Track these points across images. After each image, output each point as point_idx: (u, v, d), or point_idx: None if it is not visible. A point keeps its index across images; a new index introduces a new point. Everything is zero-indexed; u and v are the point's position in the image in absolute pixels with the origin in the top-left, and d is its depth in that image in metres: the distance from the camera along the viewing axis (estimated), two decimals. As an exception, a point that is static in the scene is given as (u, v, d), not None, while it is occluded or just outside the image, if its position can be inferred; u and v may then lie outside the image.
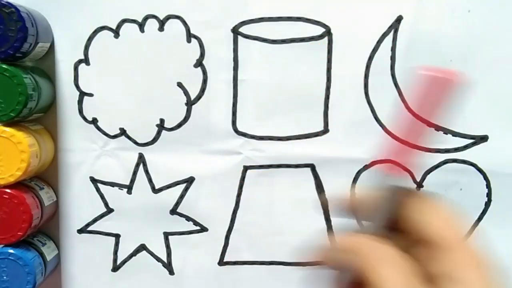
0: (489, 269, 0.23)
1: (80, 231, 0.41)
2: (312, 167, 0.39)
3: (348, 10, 0.38)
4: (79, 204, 0.41)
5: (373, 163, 0.39)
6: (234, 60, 0.39)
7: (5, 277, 0.37)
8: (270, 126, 0.39)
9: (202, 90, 0.39)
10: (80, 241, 0.41)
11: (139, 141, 0.40)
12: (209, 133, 0.39)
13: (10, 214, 0.37)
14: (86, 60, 0.39)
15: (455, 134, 0.38)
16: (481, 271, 0.22)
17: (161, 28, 0.39)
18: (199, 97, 0.39)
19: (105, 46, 0.39)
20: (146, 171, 0.40)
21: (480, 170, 0.38)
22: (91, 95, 0.40)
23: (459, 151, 0.38)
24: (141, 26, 0.39)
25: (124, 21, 0.39)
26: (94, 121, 0.40)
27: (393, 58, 0.38)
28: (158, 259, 0.41)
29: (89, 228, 0.41)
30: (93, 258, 0.41)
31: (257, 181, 0.40)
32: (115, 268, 0.41)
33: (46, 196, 0.40)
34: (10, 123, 0.36)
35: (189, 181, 0.40)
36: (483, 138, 0.38)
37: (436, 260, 0.21)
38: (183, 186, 0.40)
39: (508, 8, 0.37)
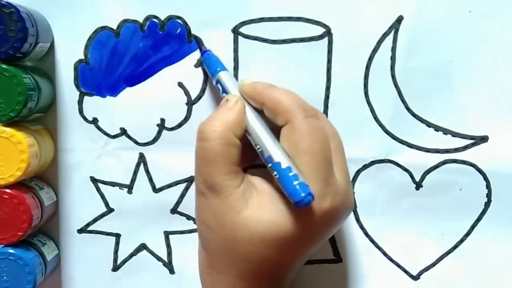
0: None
1: (80, 231, 0.41)
2: (312, 166, 0.40)
3: (348, 10, 0.38)
4: (79, 204, 0.41)
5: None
6: (234, 60, 0.39)
7: (5, 277, 0.37)
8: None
9: (203, 90, 0.39)
10: (80, 241, 0.41)
11: (139, 141, 0.40)
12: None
13: (10, 214, 0.37)
14: (86, 60, 0.39)
15: (455, 134, 0.38)
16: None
17: (161, 29, 0.39)
18: (199, 97, 0.39)
19: (105, 46, 0.39)
20: (147, 171, 0.40)
21: (480, 171, 0.38)
22: (91, 95, 0.40)
23: (459, 151, 0.39)
24: (142, 26, 0.39)
25: (124, 21, 0.38)
26: (94, 121, 0.40)
27: (393, 59, 0.38)
28: (158, 258, 0.41)
29: (89, 228, 0.41)
30: (93, 258, 0.41)
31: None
32: (116, 267, 0.41)
33: (46, 196, 0.40)
34: (10, 123, 0.36)
35: (190, 180, 0.40)
36: (483, 139, 0.38)
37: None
38: (183, 185, 0.40)
39: (508, 8, 0.37)
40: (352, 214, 0.40)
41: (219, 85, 0.36)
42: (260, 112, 0.34)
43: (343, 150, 0.35)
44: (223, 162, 0.32)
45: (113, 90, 0.39)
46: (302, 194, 0.29)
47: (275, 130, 0.33)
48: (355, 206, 0.40)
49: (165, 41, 0.39)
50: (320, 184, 0.31)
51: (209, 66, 0.38)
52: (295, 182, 0.30)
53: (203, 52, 0.38)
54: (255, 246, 0.31)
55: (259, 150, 0.32)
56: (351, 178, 0.39)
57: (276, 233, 0.31)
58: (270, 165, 0.31)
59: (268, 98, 0.33)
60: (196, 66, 0.38)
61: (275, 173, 0.31)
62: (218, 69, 0.36)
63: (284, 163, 0.30)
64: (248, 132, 0.33)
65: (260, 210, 0.31)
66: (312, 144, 0.31)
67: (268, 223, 0.31)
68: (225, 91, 0.36)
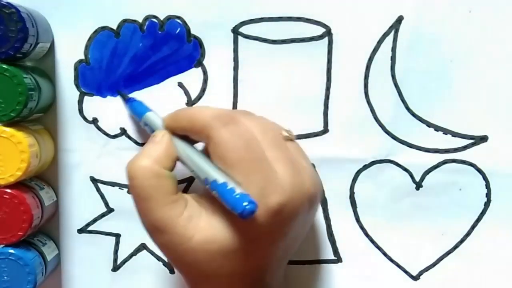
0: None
1: (80, 231, 0.41)
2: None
3: (348, 10, 0.38)
4: (79, 204, 0.41)
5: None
6: (234, 60, 0.39)
7: (5, 277, 0.37)
8: (270, 126, 0.39)
9: (203, 90, 0.39)
10: (80, 241, 0.41)
11: (139, 141, 0.40)
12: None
13: (10, 214, 0.37)
14: (86, 60, 0.39)
15: (455, 134, 0.38)
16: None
17: (161, 28, 0.39)
18: (199, 97, 0.39)
19: (105, 46, 0.39)
20: (147, 171, 0.40)
21: (479, 171, 0.38)
22: (91, 95, 0.40)
23: (458, 151, 0.39)
24: (142, 26, 0.39)
25: (124, 21, 0.39)
26: (94, 121, 0.40)
27: (393, 59, 0.38)
28: (158, 258, 0.41)
29: (89, 228, 0.41)
30: (93, 258, 0.41)
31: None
32: (116, 267, 0.41)
33: (46, 196, 0.40)
34: (10, 123, 0.36)
35: (190, 180, 0.40)
36: (483, 138, 0.38)
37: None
38: (183, 185, 0.40)
39: (509, 9, 0.37)
40: (352, 214, 0.40)
41: (147, 127, 0.36)
42: (190, 139, 0.34)
43: (281, 141, 0.34)
44: (156, 196, 0.31)
45: (113, 90, 0.40)
46: (244, 204, 0.29)
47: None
48: (355, 206, 0.40)
49: (164, 41, 0.39)
50: (259, 187, 0.30)
51: (135, 111, 0.38)
52: (234, 194, 0.29)
53: (127, 100, 0.39)
54: (218, 263, 0.31)
55: (196, 175, 0.32)
56: (351, 178, 0.39)
57: (233, 246, 0.31)
58: (208, 186, 0.31)
59: (185, 121, 0.33)
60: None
61: (214, 192, 0.31)
62: (143, 111, 0.37)
63: (220, 180, 0.30)
64: (181, 161, 0.33)
65: (212, 229, 0.31)
66: (237, 152, 0.31)
67: (223, 240, 0.31)
68: (152, 130, 0.36)
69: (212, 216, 0.32)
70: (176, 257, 0.32)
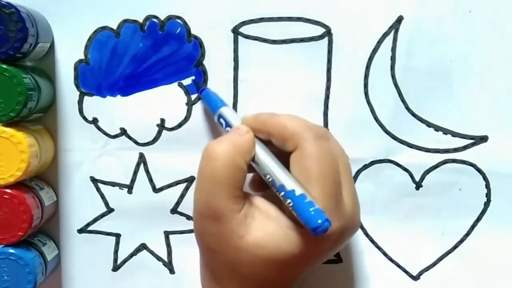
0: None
1: (81, 231, 0.41)
2: (312, 167, 0.40)
3: (348, 10, 0.38)
4: (79, 204, 0.41)
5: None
6: (234, 60, 0.39)
7: (5, 277, 0.37)
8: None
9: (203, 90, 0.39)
10: (80, 241, 0.41)
11: (139, 141, 0.40)
12: (209, 133, 0.40)
13: (11, 214, 0.37)
14: (86, 60, 0.39)
15: (455, 134, 0.38)
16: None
17: (161, 29, 0.39)
18: (199, 97, 0.39)
19: (105, 46, 0.39)
20: (147, 171, 0.40)
21: (479, 170, 0.38)
22: (91, 95, 0.40)
23: (458, 151, 0.39)
24: (142, 26, 0.39)
25: (124, 21, 0.38)
26: (94, 121, 0.40)
27: (393, 59, 0.38)
28: (158, 258, 0.41)
29: (90, 228, 0.41)
30: (94, 258, 0.41)
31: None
32: (116, 267, 0.41)
33: (46, 196, 0.40)
34: (10, 123, 0.36)
35: (190, 180, 0.40)
36: (483, 139, 0.38)
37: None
38: (183, 185, 0.40)
39: (509, 8, 0.37)
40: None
41: (221, 119, 0.36)
42: (266, 143, 0.34)
43: (350, 170, 0.35)
44: (228, 185, 0.31)
45: (113, 90, 0.40)
46: (319, 221, 0.29)
47: (283, 159, 0.33)
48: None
49: (165, 41, 0.39)
50: (331, 208, 0.31)
51: (209, 103, 0.38)
52: (311, 209, 0.29)
53: (201, 90, 0.38)
54: (259, 268, 0.31)
55: (269, 180, 0.32)
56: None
57: (282, 257, 0.31)
58: (282, 193, 0.31)
59: (274, 126, 0.33)
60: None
61: (289, 201, 0.30)
62: (219, 105, 0.37)
63: (298, 191, 0.30)
64: (257, 163, 0.33)
65: (265, 234, 0.31)
66: (324, 168, 0.31)
67: (274, 248, 0.31)
68: (228, 125, 0.35)
69: (266, 221, 0.32)
70: (217, 248, 0.32)
